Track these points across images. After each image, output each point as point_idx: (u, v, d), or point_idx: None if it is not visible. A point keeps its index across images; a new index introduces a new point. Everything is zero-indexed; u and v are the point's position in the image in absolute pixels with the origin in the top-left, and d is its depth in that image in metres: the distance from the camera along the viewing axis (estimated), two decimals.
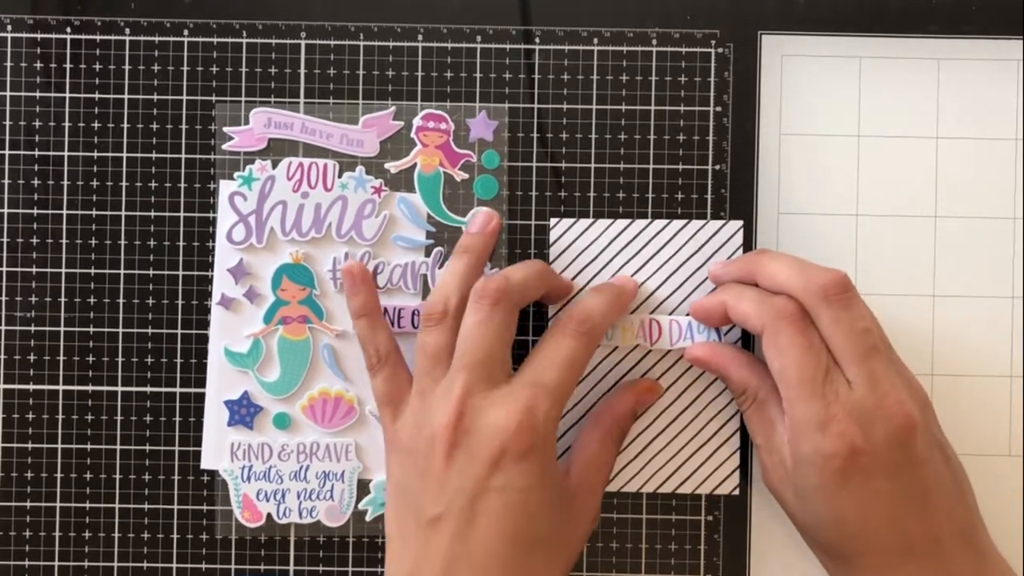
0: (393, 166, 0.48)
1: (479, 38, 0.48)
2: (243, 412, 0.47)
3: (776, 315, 0.41)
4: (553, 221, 0.48)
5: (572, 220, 0.47)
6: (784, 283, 0.42)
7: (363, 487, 0.48)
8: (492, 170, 0.48)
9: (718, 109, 0.48)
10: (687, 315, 0.47)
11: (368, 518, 0.48)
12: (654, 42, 0.48)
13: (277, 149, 0.48)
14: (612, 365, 0.47)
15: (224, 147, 0.47)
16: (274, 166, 0.47)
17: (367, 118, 0.47)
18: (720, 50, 0.48)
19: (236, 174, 0.47)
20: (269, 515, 0.47)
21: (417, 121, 0.48)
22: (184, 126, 0.47)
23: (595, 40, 0.48)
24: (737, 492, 0.47)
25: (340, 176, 0.47)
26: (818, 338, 0.41)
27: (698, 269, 0.47)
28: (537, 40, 0.48)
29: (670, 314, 0.47)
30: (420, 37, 0.48)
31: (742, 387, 0.44)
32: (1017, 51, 0.48)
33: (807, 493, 0.41)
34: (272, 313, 0.47)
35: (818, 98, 0.48)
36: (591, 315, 0.43)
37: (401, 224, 0.48)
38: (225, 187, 0.47)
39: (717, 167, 0.48)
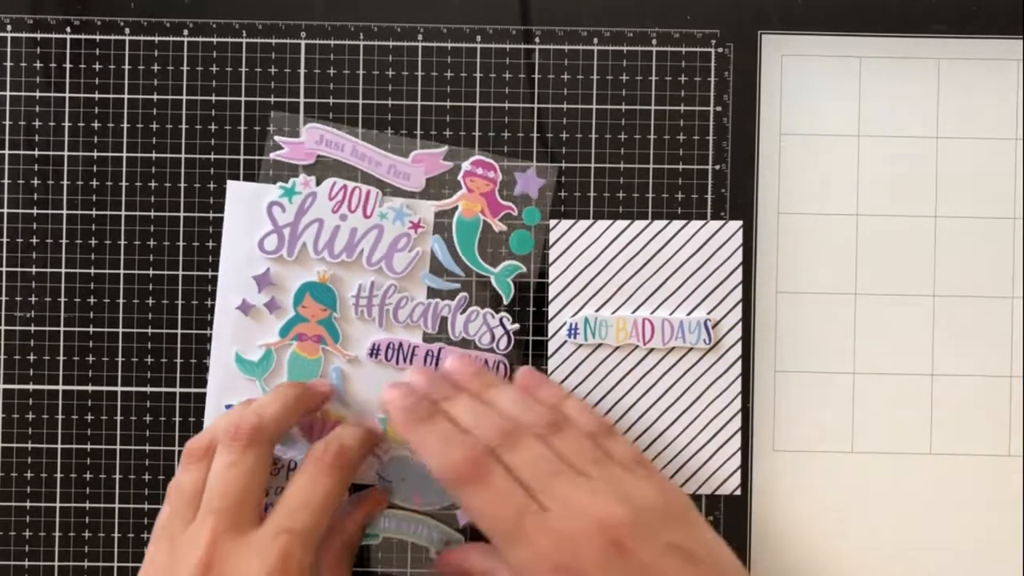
0: (435, 205, 0.47)
1: (479, 38, 0.48)
2: None
3: (455, 479, 0.40)
4: (553, 222, 0.48)
5: (572, 221, 0.48)
6: (440, 463, 0.41)
7: None
8: (532, 227, 0.48)
9: (718, 109, 0.48)
10: (688, 314, 0.47)
11: None
12: (654, 42, 0.48)
13: (322, 164, 0.47)
14: (612, 367, 0.47)
15: (272, 156, 0.47)
16: (318, 183, 0.47)
17: (417, 153, 0.47)
18: (720, 50, 0.48)
19: (279, 185, 0.47)
20: None
21: (466, 165, 0.47)
22: (184, 126, 0.47)
23: (595, 40, 0.48)
24: (739, 492, 0.47)
25: (381, 205, 0.47)
26: (504, 482, 0.40)
27: (698, 269, 0.47)
28: (537, 40, 0.48)
29: (671, 314, 0.47)
30: (420, 37, 0.48)
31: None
32: (1017, 51, 0.48)
33: None
34: (289, 328, 0.47)
35: (818, 98, 0.48)
36: (346, 447, 0.43)
37: (432, 263, 0.47)
38: (264, 193, 0.47)
39: (717, 167, 0.48)
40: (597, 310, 0.47)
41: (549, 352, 0.48)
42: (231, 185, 0.47)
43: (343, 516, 0.46)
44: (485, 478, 0.39)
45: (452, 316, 0.47)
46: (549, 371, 0.48)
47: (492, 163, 0.47)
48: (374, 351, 0.47)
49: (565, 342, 0.47)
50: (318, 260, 0.47)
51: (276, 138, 0.47)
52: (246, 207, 0.47)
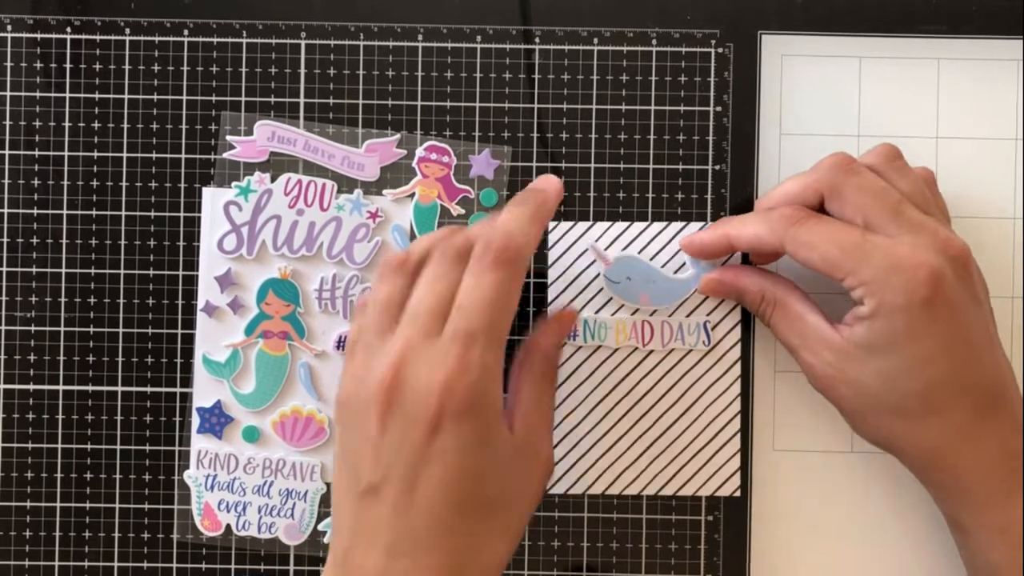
0: (391, 193, 0.47)
1: (479, 38, 0.48)
2: (214, 421, 0.47)
3: (788, 221, 0.42)
4: (552, 224, 0.47)
5: (572, 222, 0.48)
6: (791, 189, 0.43)
7: (325, 508, 0.48)
8: (490, 208, 0.48)
9: (718, 109, 0.48)
10: (687, 316, 0.47)
11: (326, 540, 0.47)
12: (654, 42, 0.48)
13: (277, 163, 0.47)
14: (611, 368, 0.47)
15: (225, 155, 0.47)
16: (273, 180, 0.47)
17: (370, 143, 0.47)
18: (720, 50, 0.48)
19: (234, 184, 0.47)
20: (228, 526, 0.47)
21: (420, 151, 0.47)
22: (184, 126, 0.47)
23: (595, 40, 0.48)
24: (738, 494, 0.47)
25: (337, 197, 0.47)
26: (840, 220, 0.42)
27: None
28: (537, 40, 0.48)
29: (670, 316, 0.47)
30: (420, 37, 0.48)
31: (759, 293, 0.45)
32: (1017, 51, 0.48)
33: (884, 352, 0.41)
34: (254, 326, 0.47)
35: (818, 98, 0.48)
36: (511, 239, 0.39)
37: (392, 252, 0.47)
38: (216, 194, 0.47)
39: (717, 167, 0.48)
40: (597, 311, 0.47)
41: None
42: (217, 192, 0.47)
43: (539, 332, 0.44)
44: (814, 216, 0.42)
45: None
46: None
47: (446, 147, 0.47)
48: (340, 344, 0.47)
49: (565, 343, 0.47)
50: (278, 256, 0.47)
51: (228, 137, 0.47)
52: (211, 210, 0.48)
